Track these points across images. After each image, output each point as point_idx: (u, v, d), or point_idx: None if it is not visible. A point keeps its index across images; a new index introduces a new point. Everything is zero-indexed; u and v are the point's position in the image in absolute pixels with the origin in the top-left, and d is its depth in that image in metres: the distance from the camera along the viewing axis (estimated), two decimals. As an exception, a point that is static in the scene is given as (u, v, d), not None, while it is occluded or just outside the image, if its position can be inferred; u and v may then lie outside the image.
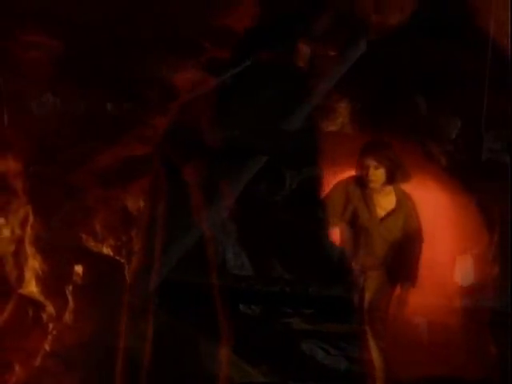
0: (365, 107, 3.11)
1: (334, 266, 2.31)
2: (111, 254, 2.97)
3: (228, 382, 2.01)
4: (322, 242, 2.34)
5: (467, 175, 2.90)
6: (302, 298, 2.19)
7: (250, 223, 2.20)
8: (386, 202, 2.74)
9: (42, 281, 3.12)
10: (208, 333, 2.09)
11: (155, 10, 2.89)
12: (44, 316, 3.11)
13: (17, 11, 2.73)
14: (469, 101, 2.81)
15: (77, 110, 3.09)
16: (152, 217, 2.45)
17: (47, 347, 2.90)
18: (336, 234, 2.88)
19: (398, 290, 2.87)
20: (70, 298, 3.05)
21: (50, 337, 2.98)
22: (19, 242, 3.78)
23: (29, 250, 3.23)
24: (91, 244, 3.15)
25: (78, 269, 3.10)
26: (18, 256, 3.85)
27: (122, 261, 2.96)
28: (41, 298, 3.10)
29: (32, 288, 3.13)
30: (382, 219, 2.72)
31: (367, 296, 2.75)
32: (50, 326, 3.02)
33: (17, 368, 2.87)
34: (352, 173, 2.91)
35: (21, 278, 3.69)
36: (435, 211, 3.26)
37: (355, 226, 2.76)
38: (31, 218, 3.17)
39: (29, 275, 3.22)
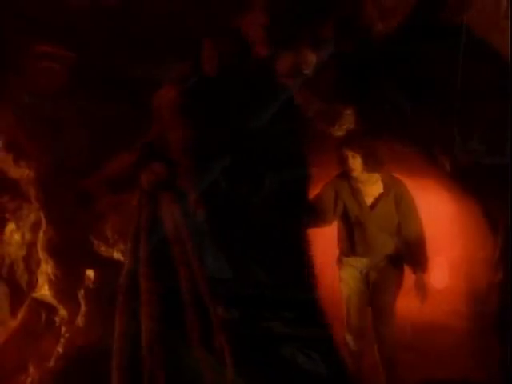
0: (370, 113, 3.27)
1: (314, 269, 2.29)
2: (122, 258, 3.09)
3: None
4: (303, 244, 2.31)
5: (471, 180, 3.01)
6: (283, 302, 2.15)
7: (228, 226, 2.17)
8: (373, 189, 2.80)
9: (54, 285, 3.26)
10: (184, 336, 2.08)
11: (166, 15, 3.04)
12: (57, 319, 3.26)
13: (30, 23, 2.89)
14: (472, 107, 2.91)
15: (89, 118, 3.26)
16: (138, 222, 2.45)
17: (60, 349, 3.03)
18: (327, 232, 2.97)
19: (411, 281, 2.80)
20: (81, 301, 3.21)
21: (62, 339, 3.14)
22: (30, 246, 3.97)
23: (41, 254, 3.37)
24: (102, 249, 3.30)
25: (90, 273, 3.27)
26: (29, 260, 4.03)
27: (133, 265, 3.09)
28: (53, 301, 3.24)
29: (45, 292, 3.27)
30: (372, 206, 2.77)
31: (372, 295, 2.79)
32: (63, 328, 3.17)
33: (31, 369, 3.02)
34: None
35: (32, 282, 3.86)
36: (440, 216, 3.33)
37: (348, 222, 2.84)
38: (44, 224, 3.31)
39: (42, 279, 3.35)
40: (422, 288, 2.72)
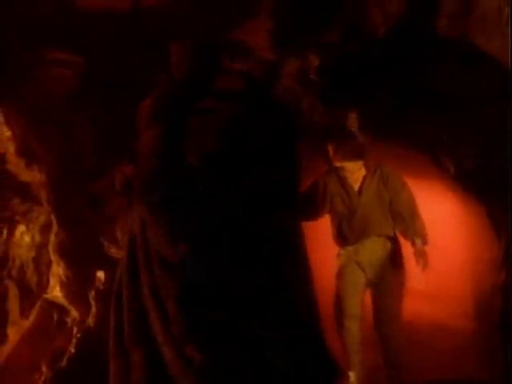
0: (375, 117, 3.36)
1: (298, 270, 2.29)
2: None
3: None
4: (286, 247, 2.29)
5: (474, 182, 3.09)
6: (265, 304, 2.14)
7: (208, 227, 2.16)
8: (358, 175, 2.94)
9: (65, 286, 3.37)
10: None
11: (175, 20, 3.15)
12: (68, 320, 3.38)
13: (42, 31, 3.02)
14: (478, 112, 3.00)
15: (98, 122, 3.39)
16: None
17: (72, 349, 3.16)
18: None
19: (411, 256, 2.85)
20: (92, 302, 3.34)
21: (74, 339, 3.26)
22: (39, 248, 4.11)
23: (53, 256, 3.50)
24: (112, 250, 3.41)
25: (100, 275, 3.39)
26: (39, 262, 4.16)
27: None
28: (65, 302, 3.36)
29: (56, 293, 3.40)
30: (359, 191, 2.89)
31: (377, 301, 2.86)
32: (74, 329, 3.29)
33: (44, 368, 3.15)
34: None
35: (42, 283, 3.99)
36: (445, 217, 3.41)
37: (337, 214, 2.95)
38: (55, 227, 3.44)
39: (53, 281, 3.48)
40: (422, 255, 2.78)
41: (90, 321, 3.23)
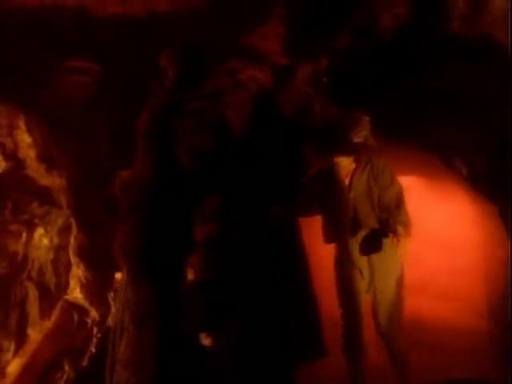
0: (388, 119, 3.43)
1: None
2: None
3: None
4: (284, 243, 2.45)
5: (486, 183, 3.15)
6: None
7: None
8: (349, 169, 3.02)
9: (85, 288, 3.53)
10: None
11: (179, 28, 3.26)
12: (88, 320, 3.53)
13: (60, 40, 3.14)
14: (489, 111, 3.05)
15: (114, 127, 3.51)
16: None
17: (93, 349, 3.31)
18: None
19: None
20: (111, 303, 3.47)
21: (94, 339, 3.41)
22: (57, 250, 4.26)
23: (73, 259, 3.64)
24: (130, 253, 3.57)
25: (119, 276, 3.52)
26: (57, 263, 4.32)
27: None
28: (85, 303, 3.51)
29: (77, 294, 3.54)
30: (349, 184, 2.96)
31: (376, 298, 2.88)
32: (95, 329, 3.43)
33: (66, 367, 3.30)
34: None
35: (61, 285, 4.14)
36: (459, 217, 3.47)
37: (328, 210, 3.00)
38: (74, 230, 3.59)
39: (73, 283, 3.62)
40: (398, 237, 2.78)
41: (110, 321, 3.38)
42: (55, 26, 3.07)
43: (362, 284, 2.89)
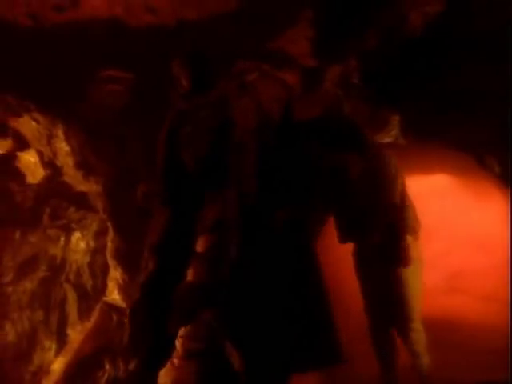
0: (418, 118, 3.46)
1: None
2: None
3: None
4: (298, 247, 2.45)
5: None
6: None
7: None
8: (359, 165, 2.87)
9: (123, 289, 3.67)
10: None
11: (209, 34, 3.35)
12: (126, 321, 3.69)
13: (97, 51, 3.29)
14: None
15: (146, 134, 3.64)
16: None
17: (132, 349, 3.45)
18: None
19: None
20: (148, 304, 3.62)
21: (133, 340, 3.55)
22: (93, 253, 4.45)
23: (110, 262, 3.80)
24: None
25: (154, 278, 3.67)
26: (93, 266, 4.51)
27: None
28: (123, 304, 3.65)
29: (115, 296, 3.69)
30: (360, 181, 2.83)
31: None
32: (133, 329, 3.60)
33: (107, 366, 3.46)
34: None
35: (97, 287, 4.33)
36: (491, 218, 3.43)
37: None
38: (111, 234, 3.74)
39: (111, 285, 3.78)
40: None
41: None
42: (90, 38, 3.21)
43: None
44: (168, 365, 2.41)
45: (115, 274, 3.59)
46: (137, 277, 3.70)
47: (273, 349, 2.25)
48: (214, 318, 2.26)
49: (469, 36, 3.02)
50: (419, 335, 2.68)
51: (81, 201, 4.05)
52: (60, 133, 3.39)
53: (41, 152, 3.70)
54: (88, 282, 4.30)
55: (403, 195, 2.76)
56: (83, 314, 4.21)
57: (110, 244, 3.62)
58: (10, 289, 4.14)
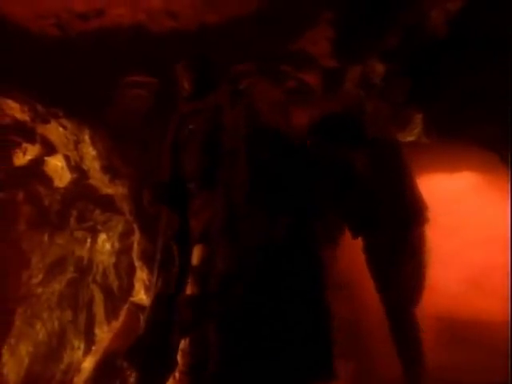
0: (441, 117, 3.45)
1: None
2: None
3: None
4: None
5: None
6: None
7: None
8: (364, 160, 2.90)
9: (149, 290, 3.78)
10: None
11: (230, 38, 3.41)
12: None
13: (121, 57, 3.38)
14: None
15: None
16: None
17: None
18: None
19: None
20: (174, 304, 3.72)
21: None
22: (119, 254, 4.56)
23: (137, 263, 3.90)
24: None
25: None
26: (119, 267, 4.63)
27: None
28: (150, 304, 3.80)
29: (141, 296, 3.79)
30: (365, 175, 2.85)
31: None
32: (160, 329, 3.70)
33: (136, 366, 3.56)
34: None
35: (123, 287, 4.44)
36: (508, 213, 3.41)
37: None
38: (137, 235, 3.84)
39: (138, 285, 3.88)
40: None
41: (173, 321, 3.63)
42: (114, 45, 3.31)
43: None
44: (170, 379, 2.45)
45: (141, 275, 3.69)
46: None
47: (267, 363, 2.24)
48: (209, 330, 2.27)
49: (489, 33, 3.02)
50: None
51: (106, 203, 4.16)
52: (87, 138, 3.50)
53: (67, 156, 3.82)
54: (114, 282, 4.42)
55: (412, 189, 2.78)
56: (109, 313, 4.34)
57: (136, 245, 3.72)
58: (39, 289, 4.30)
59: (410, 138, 3.41)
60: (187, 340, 2.37)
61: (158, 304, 2.48)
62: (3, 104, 3.40)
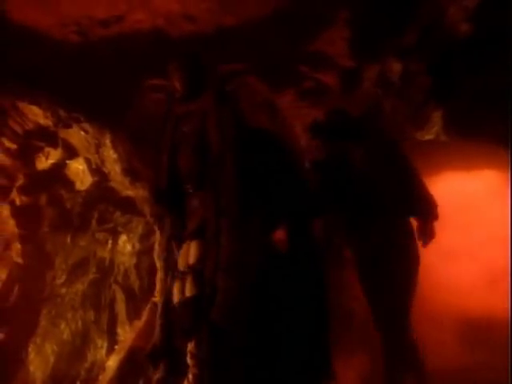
0: (460, 115, 3.45)
1: None
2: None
3: None
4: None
5: None
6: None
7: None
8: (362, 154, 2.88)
9: (170, 290, 3.90)
10: None
11: (248, 40, 3.45)
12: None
13: (141, 61, 3.45)
14: None
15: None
16: None
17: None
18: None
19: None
20: (195, 304, 3.79)
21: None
22: (139, 255, 4.66)
23: (158, 263, 3.99)
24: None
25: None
26: (140, 267, 4.73)
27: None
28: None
29: (163, 296, 3.91)
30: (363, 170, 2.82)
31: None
32: (182, 328, 3.78)
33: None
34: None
35: (144, 287, 4.53)
36: None
37: None
38: (158, 236, 3.93)
39: (159, 285, 3.98)
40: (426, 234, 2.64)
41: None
42: (134, 50, 3.38)
43: None
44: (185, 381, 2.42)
45: (162, 275, 3.76)
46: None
47: (267, 366, 2.26)
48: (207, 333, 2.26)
49: (508, 30, 3.01)
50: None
51: (126, 205, 4.25)
52: (107, 141, 3.59)
53: (89, 160, 3.92)
54: (135, 282, 4.51)
55: (414, 183, 2.70)
56: (131, 313, 4.44)
57: (157, 246, 3.79)
58: (63, 290, 4.42)
59: (429, 137, 3.42)
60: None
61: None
62: (27, 110, 3.52)
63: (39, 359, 4.28)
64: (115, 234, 4.44)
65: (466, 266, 4.03)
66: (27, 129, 3.72)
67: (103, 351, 4.38)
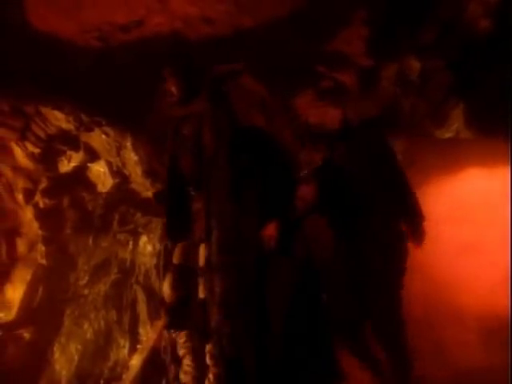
0: (480, 112, 3.42)
1: None
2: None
3: None
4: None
5: None
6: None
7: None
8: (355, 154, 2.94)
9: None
10: None
11: (265, 41, 3.48)
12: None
13: (160, 64, 3.52)
14: None
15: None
16: None
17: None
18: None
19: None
20: (216, 304, 3.84)
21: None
22: (159, 255, 4.73)
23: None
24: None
25: (221, 278, 3.88)
26: (159, 268, 4.80)
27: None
28: (191, 305, 3.95)
29: (184, 296, 3.97)
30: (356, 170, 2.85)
31: None
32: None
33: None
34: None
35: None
36: None
37: None
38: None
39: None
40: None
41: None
42: (154, 53, 3.43)
43: None
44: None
45: (184, 276, 3.83)
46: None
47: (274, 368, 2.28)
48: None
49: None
50: None
51: (146, 206, 4.32)
52: (128, 144, 3.66)
53: (110, 162, 4.00)
54: (155, 283, 4.57)
55: (401, 181, 2.73)
56: (152, 313, 4.51)
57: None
58: (86, 291, 4.51)
59: (449, 135, 3.41)
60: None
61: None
62: (50, 115, 3.61)
63: (64, 358, 4.37)
64: (136, 235, 4.51)
65: (485, 263, 3.99)
66: (50, 133, 3.80)
67: (125, 350, 4.46)
